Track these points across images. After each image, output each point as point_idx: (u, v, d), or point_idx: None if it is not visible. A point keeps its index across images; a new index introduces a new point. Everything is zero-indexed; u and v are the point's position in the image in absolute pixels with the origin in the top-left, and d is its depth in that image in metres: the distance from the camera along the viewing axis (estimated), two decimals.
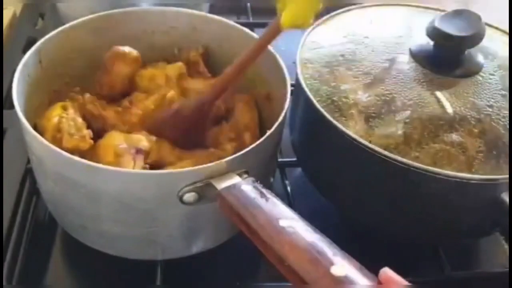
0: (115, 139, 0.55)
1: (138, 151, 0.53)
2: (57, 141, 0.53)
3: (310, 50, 0.60)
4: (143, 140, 0.54)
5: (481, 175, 0.49)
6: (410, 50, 0.57)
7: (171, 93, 0.60)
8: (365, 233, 0.61)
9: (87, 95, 0.59)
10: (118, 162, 0.53)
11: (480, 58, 0.57)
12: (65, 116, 0.55)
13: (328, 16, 0.65)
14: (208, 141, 0.59)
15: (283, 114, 0.52)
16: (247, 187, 0.44)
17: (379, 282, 0.35)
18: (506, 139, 0.51)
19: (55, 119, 0.54)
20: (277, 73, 0.57)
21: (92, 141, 0.55)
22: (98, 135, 0.56)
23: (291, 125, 0.62)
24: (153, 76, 0.63)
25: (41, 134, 0.52)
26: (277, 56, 0.58)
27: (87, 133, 0.55)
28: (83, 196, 0.48)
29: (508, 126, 0.52)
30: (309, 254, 0.37)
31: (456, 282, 0.59)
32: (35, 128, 0.51)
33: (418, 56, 0.56)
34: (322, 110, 0.53)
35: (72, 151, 0.51)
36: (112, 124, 0.58)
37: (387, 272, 0.35)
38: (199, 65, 0.64)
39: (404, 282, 0.35)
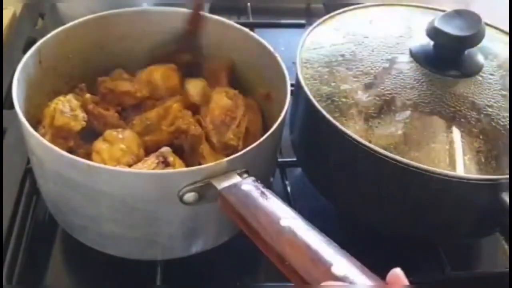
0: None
1: (165, 161, 0.53)
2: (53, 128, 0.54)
3: (310, 50, 0.60)
4: (171, 156, 0.53)
5: (481, 175, 0.49)
6: (410, 50, 0.57)
7: (175, 106, 0.59)
8: (365, 233, 0.61)
9: (87, 96, 0.59)
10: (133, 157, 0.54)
11: (480, 58, 0.57)
12: (62, 99, 0.55)
13: (328, 16, 0.65)
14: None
15: (283, 114, 0.52)
16: (248, 186, 0.44)
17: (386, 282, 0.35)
18: (506, 139, 0.51)
19: (53, 104, 0.55)
20: (277, 73, 0.57)
21: (84, 123, 0.55)
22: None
23: (291, 125, 0.63)
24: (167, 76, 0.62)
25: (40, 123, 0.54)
26: (277, 56, 0.58)
27: (80, 114, 0.55)
28: (83, 196, 0.48)
29: (508, 126, 0.52)
30: (309, 253, 0.37)
31: (456, 282, 0.59)
32: (36, 126, 0.52)
33: (418, 56, 0.56)
34: (322, 110, 0.53)
35: (64, 131, 0.53)
36: (113, 124, 0.58)
37: (398, 273, 0.35)
38: (221, 78, 0.63)
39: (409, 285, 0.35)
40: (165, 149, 0.54)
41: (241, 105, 0.59)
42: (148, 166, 0.51)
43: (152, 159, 0.52)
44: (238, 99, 0.60)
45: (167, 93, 0.62)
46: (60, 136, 0.54)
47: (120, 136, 0.55)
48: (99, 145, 0.54)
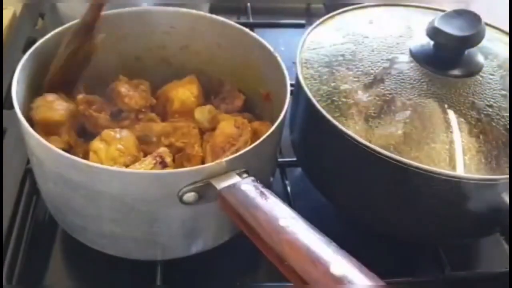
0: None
1: (162, 162, 0.53)
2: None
3: (310, 50, 0.60)
4: (169, 156, 0.54)
5: (481, 175, 0.49)
6: (410, 50, 0.57)
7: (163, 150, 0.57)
8: (365, 233, 0.61)
9: (80, 96, 0.59)
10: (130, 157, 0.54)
11: (480, 58, 0.57)
12: (37, 98, 0.56)
13: (328, 16, 0.65)
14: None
15: (283, 114, 0.52)
16: (247, 186, 0.44)
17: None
18: (506, 139, 0.51)
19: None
20: (277, 73, 0.57)
21: (63, 112, 0.56)
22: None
23: (291, 125, 0.62)
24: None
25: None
26: (277, 56, 0.58)
27: (57, 105, 0.56)
28: (83, 196, 0.48)
29: (508, 126, 0.52)
30: (309, 253, 0.37)
31: (456, 282, 0.59)
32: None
33: (418, 56, 0.56)
34: (322, 110, 0.53)
35: (47, 125, 0.54)
36: (103, 126, 0.58)
37: None
38: (237, 99, 0.64)
39: None
40: (163, 150, 0.54)
41: (246, 134, 0.57)
42: (145, 167, 0.51)
43: (149, 160, 0.53)
44: (245, 128, 0.58)
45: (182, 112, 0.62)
46: (50, 132, 0.55)
47: (118, 136, 0.55)
48: (96, 144, 0.54)
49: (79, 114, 0.59)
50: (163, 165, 0.53)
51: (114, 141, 0.54)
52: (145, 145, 0.58)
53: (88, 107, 0.59)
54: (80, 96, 0.59)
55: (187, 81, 0.64)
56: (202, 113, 0.62)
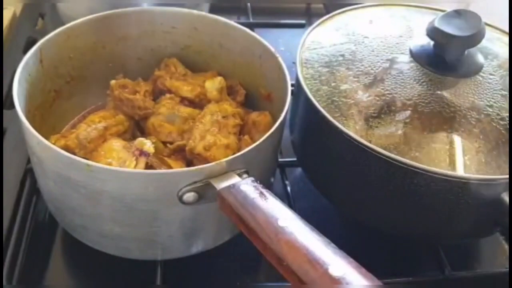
0: (117, 142, 0.56)
1: (142, 152, 0.53)
2: None
3: (310, 50, 0.60)
4: (146, 144, 0.54)
5: (481, 175, 0.49)
6: (410, 50, 0.57)
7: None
8: (365, 233, 0.61)
9: (113, 82, 0.61)
10: (119, 162, 0.53)
11: (480, 58, 0.57)
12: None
13: (328, 16, 0.65)
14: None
15: (283, 114, 0.52)
16: (247, 187, 0.44)
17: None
18: (506, 139, 0.51)
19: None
20: (277, 73, 0.57)
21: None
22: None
23: (291, 125, 0.63)
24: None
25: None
26: (278, 56, 0.58)
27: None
28: (83, 196, 0.48)
29: (508, 126, 0.52)
30: (307, 254, 0.37)
31: (456, 282, 0.59)
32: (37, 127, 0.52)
33: (418, 56, 0.56)
34: (322, 110, 0.53)
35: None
36: (140, 107, 0.60)
37: None
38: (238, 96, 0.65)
39: None
40: (138, 141, 0.54)
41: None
42: (128, 166, 0.52)
43: (128, 160, 0.53)
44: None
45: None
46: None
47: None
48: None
49: (115, 99, 0.60)
50: (145, 155, 0.53)
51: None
52: (170, 124, 0.60)
53: (122, 91, 0.61)
54: (113, 82, 0.61)
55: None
56: (213, 83, 0.63)
